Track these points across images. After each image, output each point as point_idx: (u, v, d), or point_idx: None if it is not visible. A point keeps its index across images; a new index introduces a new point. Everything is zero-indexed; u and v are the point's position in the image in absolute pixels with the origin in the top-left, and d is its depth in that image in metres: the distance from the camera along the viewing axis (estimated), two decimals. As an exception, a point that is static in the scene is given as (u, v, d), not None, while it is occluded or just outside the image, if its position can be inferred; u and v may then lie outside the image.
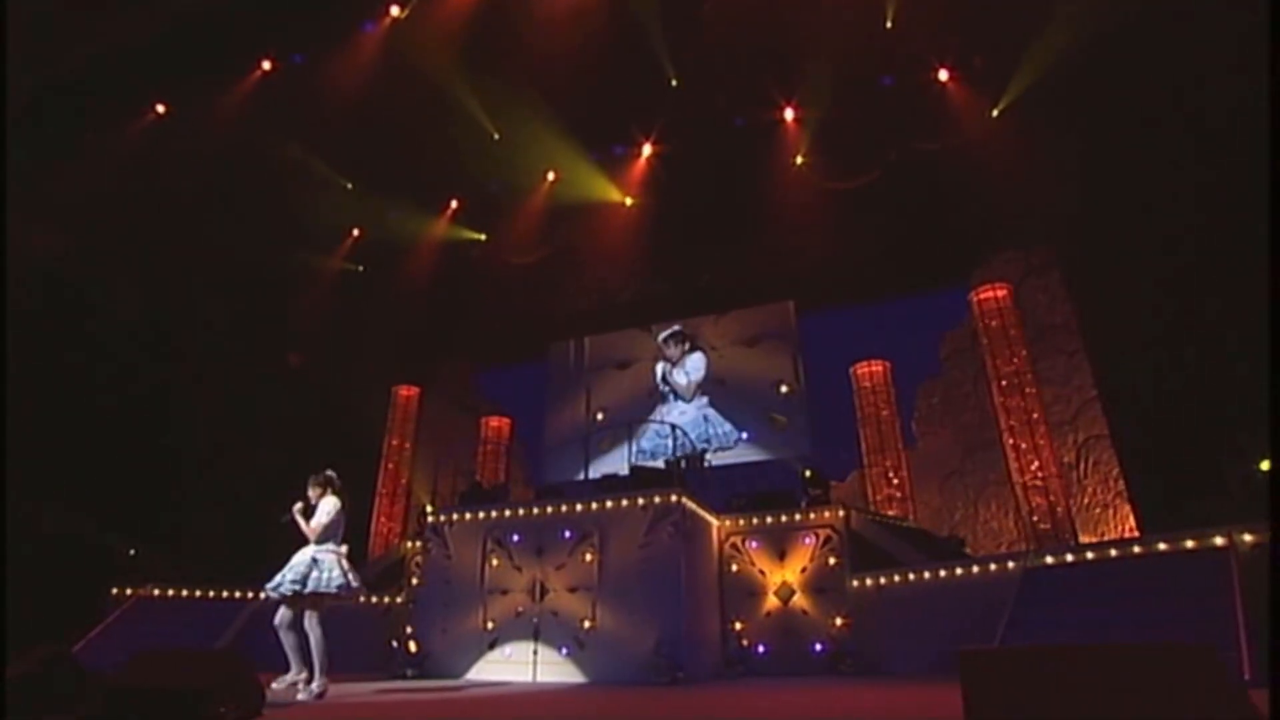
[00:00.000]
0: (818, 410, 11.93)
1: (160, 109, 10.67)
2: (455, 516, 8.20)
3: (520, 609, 7.51)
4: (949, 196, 11.23)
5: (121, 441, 10.61)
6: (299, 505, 5.19)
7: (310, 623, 4.91)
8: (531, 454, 14.59)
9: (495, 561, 7.83)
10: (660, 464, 10.16)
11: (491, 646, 7.45)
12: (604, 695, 5.55)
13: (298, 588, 4.85)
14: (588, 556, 7.41)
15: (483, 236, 13.16)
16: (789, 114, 10.83)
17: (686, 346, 13.27)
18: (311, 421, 12.85)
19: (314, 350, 13.13)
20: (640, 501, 7.43)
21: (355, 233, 13.20)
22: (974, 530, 11.37)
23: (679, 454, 10.90)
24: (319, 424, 12.85)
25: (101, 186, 10.56)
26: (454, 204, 12.81)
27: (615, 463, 12.35)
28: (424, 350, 14.35)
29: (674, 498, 7.34)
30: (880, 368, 11.63)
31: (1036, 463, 9.82)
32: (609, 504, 7.56)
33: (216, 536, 10.64)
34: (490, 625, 7.55)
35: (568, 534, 7.59)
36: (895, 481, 10.90)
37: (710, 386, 12.68)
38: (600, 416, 13.33)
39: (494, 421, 13.94)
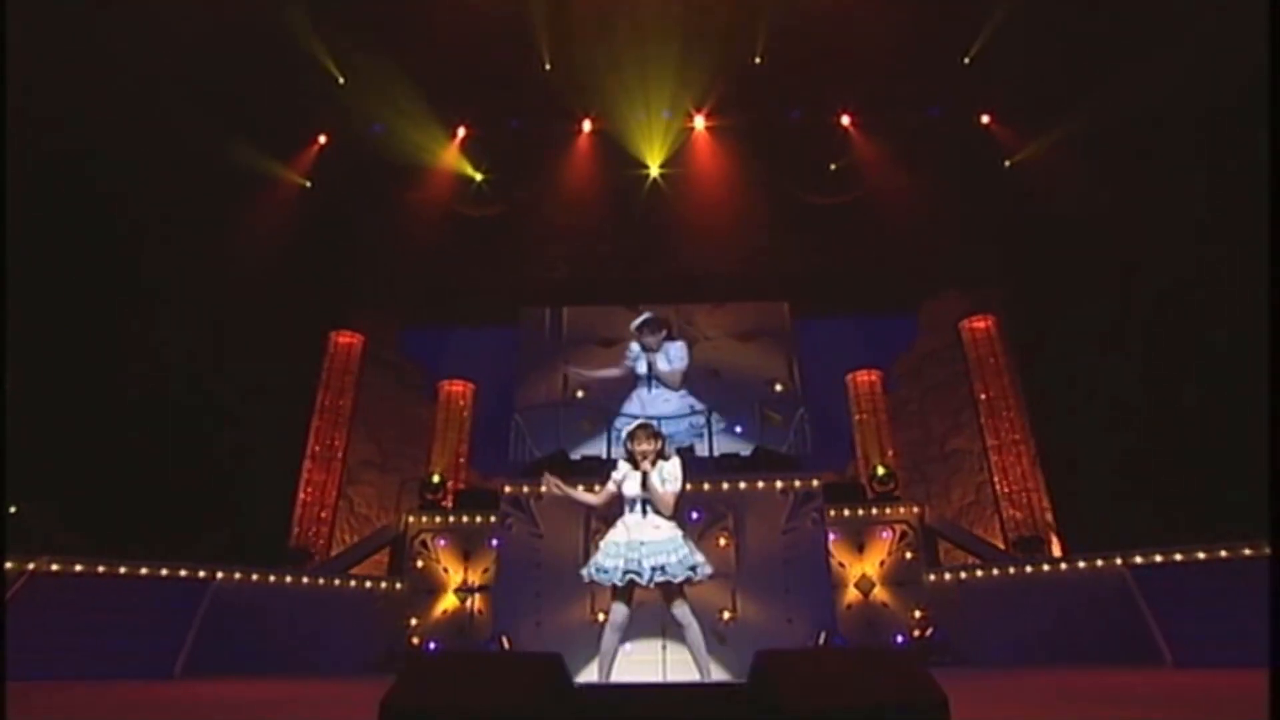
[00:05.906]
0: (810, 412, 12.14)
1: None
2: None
3: (641, 598, 6.55)
4: (919, 227, 11.98)
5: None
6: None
7: (686, 616, 3.87)
8: (480, 429, 12.99)
9: (603, 543, 6.77)
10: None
11: (604, 641, 6.41)
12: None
13: (691, 573, 3.80)
14: (722, 541, 6.73)
15: (479, 176, 11.49)
16: (845, 120, 11.02)
17: (664, 334, 12.71)
18: (231, 361, 10.21)
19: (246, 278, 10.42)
20: (779, 485, 6.94)
21: (322, 139, 10.77)
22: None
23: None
24: (239, 364, 10.26)
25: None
26: (461, 131, 11.03)
27: (600, 446, 11.44)
28: (367, 297, 12.16)
29: (815, 483, 6.97)
30: (875, 377, 12.24)
31: (1014, 478, 10.97)
32: (742, 485, 6.96)
33: (128, 491, 7.86)
34: (602, 617, 6.47)
35: (695, 515, 6.82)
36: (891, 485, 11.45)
37: (702, 376, 12.29)
38: (580, 395, 12.30)
39: (456, 386, 12.18)
